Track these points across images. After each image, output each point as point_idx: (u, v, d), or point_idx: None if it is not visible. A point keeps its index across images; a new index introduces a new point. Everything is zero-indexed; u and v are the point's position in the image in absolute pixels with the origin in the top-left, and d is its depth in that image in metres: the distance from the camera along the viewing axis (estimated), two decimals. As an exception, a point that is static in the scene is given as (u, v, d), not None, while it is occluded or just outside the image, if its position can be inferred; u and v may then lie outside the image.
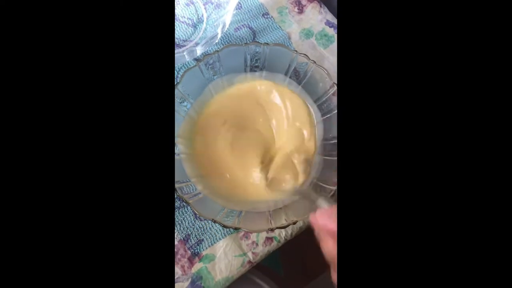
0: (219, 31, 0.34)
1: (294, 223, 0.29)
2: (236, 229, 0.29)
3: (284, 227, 0.29)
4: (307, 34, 0.41)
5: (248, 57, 0.34)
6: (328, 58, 0.40)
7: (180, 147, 0.32)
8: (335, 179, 0.30)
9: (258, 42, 0.33)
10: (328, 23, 0.42)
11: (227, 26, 0.35)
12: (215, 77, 0.34)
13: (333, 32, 0.41)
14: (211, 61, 0.33)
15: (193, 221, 0.35)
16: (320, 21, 0.42)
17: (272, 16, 0.41)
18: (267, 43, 0.33)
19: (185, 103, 0.33)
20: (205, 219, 0.34)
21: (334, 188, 0.30)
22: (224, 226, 0.29)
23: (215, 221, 0.29)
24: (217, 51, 0.32)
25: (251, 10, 0.41)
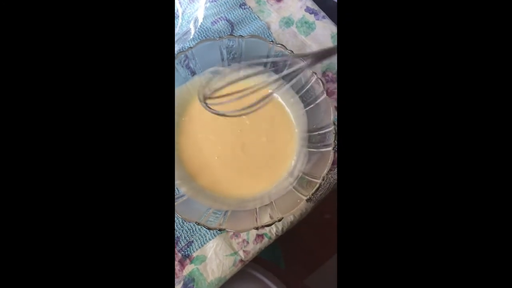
0: (191, 26, 0.33)
1: (280, 220, 0.28)
2: (221, 230, 0.28)
3: (269, 225, 0.28)
4: (287, 22, 0.40)
5: (224, 51, 0.33)
6: (310, 46, 0.39)
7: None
8: (321, 172, 0.29)
9: (233, 35, 0.32)
10: (308, 10, 0.40)
11: (200, 20, 0.34)
12: (192, 75, 0.33)
13: (313, 19, 0.40)
14: (185, 59, 0.32)
15: (181, 223, 0.35)
16: (300, 8, 0.40)
17: (249, 6, 0.40)
18: (242, 36, 0.32)
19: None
20: (192, 221, 0.34)
21: (319, 181, 0.29)
22: (209, 228, 0.28)
23: (198, 224, 0.28)
24: (191, 47, 0.31)
25: (227, 2, 0.40)
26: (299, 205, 0.28)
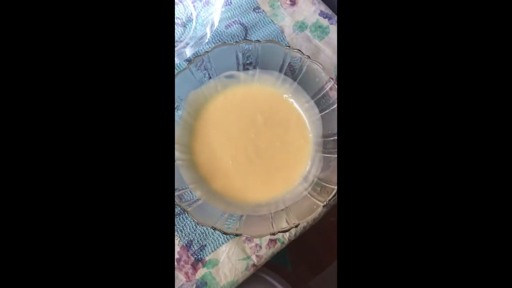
0: (207, 30, 0.33)
1: (296, 226, 0.28)
2: (237, 235, 0.28)
3: (286, 231, 0.28)
4: (301, 26, 0.40)
5: (240, 55, 0.33)
6: (324, 50, 0.39)
7: (176, 154, 0.32)
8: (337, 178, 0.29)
9: (249, 39, 0.32)
10: (322, 14, 0.40)
11: (216, 24, 0.34)
12: (207, 78, 0.33)
13: (327, 23, 0.40)
14: (201, 62, 0.32)
15: (194, 227, 0.35)
16: (314, 12, 0.40)
17: (263, 10, 0.40)
18: (259, 40, 0.32)
19: (177, 108, 0.32)
20: (206, 225, 0.34)
21: (336, 187, 0.29)
22: (225, 233, 0.28)
23: (215, 229, 0.28)
24: (207, 51, 0.31)
25: (241, 5, 0.40)
26: (316, 211, 0.28)
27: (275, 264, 0.52)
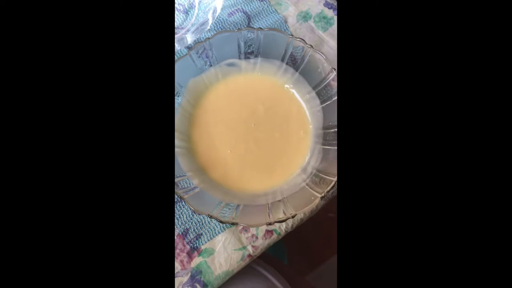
0: (209, 16, 0.32)
1: (293, 216, 0.28)
2: (233, 224, 0.28)
3: (282, 221, 0.28)
4: (305, 17, 0.39)
5: (242, 43, 0.32)
6: (327, 41, 0.38)
7: (175, 141, 0.31)
8: (336, 170, 0.29)
9: (252, 27, 0.32)
10: (326, 4, 0.39)
11: (218, 11, 0.34)
12: (208, 66, 0.33)
13: (332, 14, 0.39)
14: (202, 49, 0.31)
15: (191, 215, 0.34)
16: (319, 2, 0.40)
17: (267, -1, 0.39)
18: (261, 28, 0.31)
19: (177, 95, 0.32)
20: (202, 214, 0.34)
21: (335, 179, 0.29)
22: (221, 222, 0.28)
23: (211, 217, 0.28)
24: (208, 38, 0.31)
25: (245, -7, 0.39)
26: (313, 203, 0.28)
27: (271, 258, 0.52)
